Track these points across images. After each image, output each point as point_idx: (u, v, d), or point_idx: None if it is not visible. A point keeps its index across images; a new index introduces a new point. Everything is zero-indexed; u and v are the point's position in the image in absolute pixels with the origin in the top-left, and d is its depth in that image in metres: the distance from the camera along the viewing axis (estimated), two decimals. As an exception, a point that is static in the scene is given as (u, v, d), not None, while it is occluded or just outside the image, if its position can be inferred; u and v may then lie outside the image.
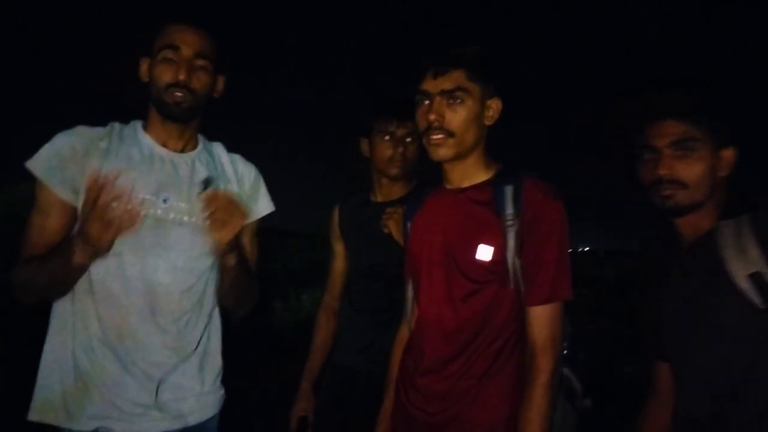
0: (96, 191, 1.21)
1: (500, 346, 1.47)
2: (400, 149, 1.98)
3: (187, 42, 1.42)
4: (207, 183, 1.37)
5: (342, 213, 2.18)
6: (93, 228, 1.22)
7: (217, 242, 1.35)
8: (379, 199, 2.09)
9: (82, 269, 1.34)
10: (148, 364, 1.41)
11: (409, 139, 1.99)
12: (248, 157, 1.69)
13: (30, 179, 1.40)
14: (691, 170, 1.31)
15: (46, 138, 1.41)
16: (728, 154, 1.33)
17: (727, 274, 1.23)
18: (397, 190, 2.07)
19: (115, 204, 1.22)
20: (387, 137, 2.00)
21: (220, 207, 1.32)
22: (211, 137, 1.66)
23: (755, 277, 1.19)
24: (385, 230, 1.86)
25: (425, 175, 2.08)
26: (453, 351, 1.49)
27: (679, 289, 1.36)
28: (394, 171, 2.01)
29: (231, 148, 1.68)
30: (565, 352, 1.51)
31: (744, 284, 1.20)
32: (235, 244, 1.39)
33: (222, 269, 1.45)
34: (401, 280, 1.73)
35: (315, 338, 2.22)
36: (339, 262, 2.20)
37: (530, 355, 1.42)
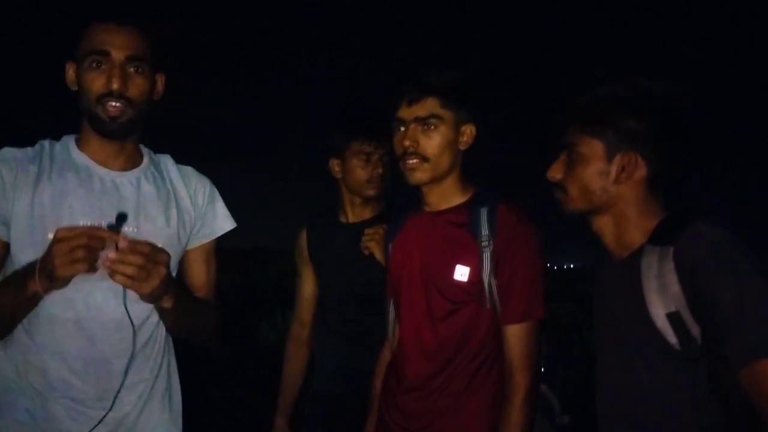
0: (69, 231, 1.08)
1: (479, 363, 1.50)
2: (379, 170, 1.97)
3: (117, 45, 1.23)
4: (121, 219, 1.19)
5: (310, 235, 2.14)
6: (57, 260, 1.07)
7: (141, 294, 1.14)
8: (351, 220, 2.07)
9: (35, 301, 1.18)
10: (101, 404, 1.26)
11: (385, 160, 1.98)
12: (203, 171, 1.51)
13: None
14: None
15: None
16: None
17: (645, 309, 1.14)
18: (369, 211, 2.05)
19: (83, 244, 1.07)
20: (364, 158, 1.98)
21: (137, 262, 1.09)
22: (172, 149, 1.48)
23: (673, 317, 1.11)
24: (366, 252, 1.85)
25: (396, 196, 2.09)
26: (433, 369, 1.52)
27: (605, 309, 1.32)
28: (371, 192, 1.99)
29: (180, 160, 1.50)
30: (543, 369, 1.54)
31: (661, 323, 1.12)
32: (165, 289, 1.17)
33: (159, 311, 1.28)
34: (380, 301, 1.74)
35: (285, 371, 2.15)
36: (308, 287, 2.13)
37: (508, 373, 1.45)
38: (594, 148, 1.23)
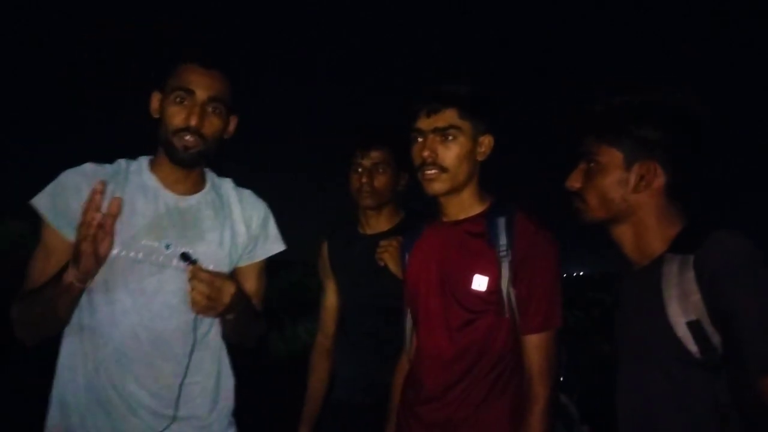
0: (89, 214, 1.20)
1: (498, 374, 1.49)
2: (365, 179, 1.98)
3: (202, 85, 1.39)
4: (185, 258, 1.33)
5: (331, 247, 2.16)
6: (83, 245, 1.20)
7: (207, 315, 1.34)
8: (368, 231, 2.08)
9: (73, 294, 1.29)
10: (154, 404, 1.39)
11: (379, 169, 1.99)
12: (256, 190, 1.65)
13: (21, 218, 1.36)
14: None
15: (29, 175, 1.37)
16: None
17: (666, 317, 1.15)
18: (385, 222, 2.07)
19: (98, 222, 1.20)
20: (356, 168, 2.01)
21: (204, 287, 1.28)
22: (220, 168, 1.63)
23: (693, 326, 1.12)
24: (381, 263, 1.86)
25: (416, 205, 2.11)
26: (451, 379, 1.51)
27: (625, 318, 1.33)
28: (364, 201, 2.00)
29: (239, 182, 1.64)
30: (561, 379, 1.53)
31: (682, 332, 1.13)
32: (229, 310, 1.34)
33: (222, 320, 1.45)
34: (398, 312, 1.75)
35: (310, 382, 2.17)
36: (330, 298, 2.16)
37: (527, 383, 1.45)
38: (613, 157, 1.25)
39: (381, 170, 1.99)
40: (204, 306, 1.29)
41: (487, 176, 1.59)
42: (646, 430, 1.22)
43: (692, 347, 1.12)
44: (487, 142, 1.54)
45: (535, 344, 1.45)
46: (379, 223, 2.06)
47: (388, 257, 1.84)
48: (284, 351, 6.62)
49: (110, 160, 1.49)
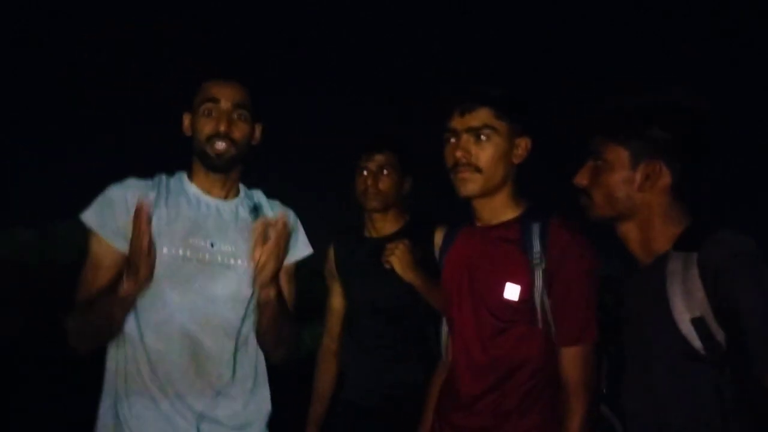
0: (140, 226, 1.25)
1: (532, 384, 1.45)
2: (370, 181, 2.00)
3: (226, 95, 1.49)
4: (256, 210, 1.41)
5: (338, 251, 2.17)
6: (141, 260, 1.26)
7: (262, 273, 1.35)
8: (374, 234, 2.09)
9: (128, 303, 1.36)
10: (195, 404, 1.44)
11: (384, 171, 2.01)
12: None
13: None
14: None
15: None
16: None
17: (670, 314, 1.16)
18: (391, 225, 2.07)
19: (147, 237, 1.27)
20: (362, 171, 2.03)
21: (270, 238, 1.32)
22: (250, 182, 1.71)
23: (698, 322, 1.13)
24: (387, 266, 1.86)
25: (424, 209, 2.13)
26: (483, 388, 1.48)
27: (631, 315, 1.32)
28: (369, 204, 2.02)
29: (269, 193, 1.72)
30: (604, 391, 1.48)
31: (686, 328, 1.14)
32: (275, 277, 1.40)
33: (261, 305, 1.45)
34: (402, 315, 1.78)
35: (316, 385, 2.18)
36: (337, 301, 2.17)
37: (564, 397, 1.40)
38: (619, 155, 1.26)
39: (386, 173, 2.01)
40: (271, 254, 1.31)
41: (523, 180, 1.54)
42: (653, 427, 1.22)
43: (696, 343, 1.13)
44: (523, 144, 1.49)
45: (571, 357, 1.40)
46: (384, 226, 2.07)
47: (395, 260, 1.83)
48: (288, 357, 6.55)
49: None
